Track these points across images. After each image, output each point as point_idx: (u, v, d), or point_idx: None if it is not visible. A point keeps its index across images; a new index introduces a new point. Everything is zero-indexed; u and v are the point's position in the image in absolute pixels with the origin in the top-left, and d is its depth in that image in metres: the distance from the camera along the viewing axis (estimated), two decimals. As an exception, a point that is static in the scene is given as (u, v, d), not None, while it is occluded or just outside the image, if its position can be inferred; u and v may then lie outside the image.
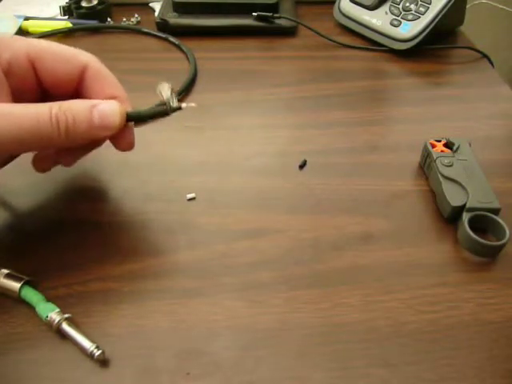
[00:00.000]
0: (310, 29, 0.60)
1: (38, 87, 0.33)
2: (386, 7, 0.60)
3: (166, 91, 0.31)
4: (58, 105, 0.29)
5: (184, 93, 0.50)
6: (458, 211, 0.36)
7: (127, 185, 0.39)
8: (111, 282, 0.32)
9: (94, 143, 0.34)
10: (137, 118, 0.32)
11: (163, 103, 0.31)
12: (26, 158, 0.34)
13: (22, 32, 0.60)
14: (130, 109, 0.33)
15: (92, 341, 0.28)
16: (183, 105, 0.31)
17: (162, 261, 0.34)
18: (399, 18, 0.59)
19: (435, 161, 0.39)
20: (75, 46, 0.33)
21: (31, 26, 0.60)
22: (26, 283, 0.31)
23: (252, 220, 0.37)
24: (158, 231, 0.36)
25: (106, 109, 0.30)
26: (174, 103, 0.31)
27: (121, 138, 0.33)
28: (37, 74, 0.32)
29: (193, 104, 0.32)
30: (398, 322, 0.31)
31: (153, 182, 0.40)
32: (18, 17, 0.61)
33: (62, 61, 0.32)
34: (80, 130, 0.29)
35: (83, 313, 0.30)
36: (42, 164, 0.35)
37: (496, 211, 0.36)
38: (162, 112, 0.32)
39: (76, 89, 0.33)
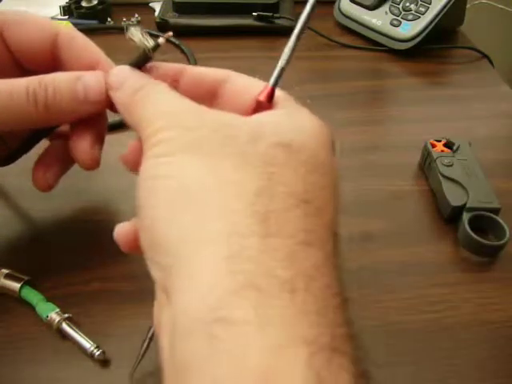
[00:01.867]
0: (310, 29, 0.60)
1: (11, 61, 0.31)
2: (386, 7, 0.60)
3: (136, 35, 0.27)
4: (39, 79, 0.27)
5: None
6: (458, 211, 0.36)
7: (127, 185, 0.39)
8: (111, 281, 0.32)
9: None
10: None
11: (140, 48, 0.27)
12: (26, 159, 0.34)
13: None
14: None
15: (92, 341, 0.28)
16: (160, 40, 0.27)
17: (162, 261, 0.33)
18: (399, 18, 0.59)
19: (435, 161, 0.39)
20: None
21: (31, 26, 0.60)
22: (26, 283, 0.31)
23: (252, 220, 0.37)
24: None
25: (91, 81, 0.27)
26: (150, 42, 0.27)
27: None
28: (5, 44, 0.30)
29: (170, 33, 0.28)
30: (398, 322, 0.31)
31: (153, 181, 0.40)
32: (18, 17, 0.61)
33: (31, 27, 0.30)
34: (63, 104, 0.27)
35: (83, 313, 0.30)
36: (44, 177, 0.32)
37: (496, 211, 0.36)
38: (143, 57, 0.28)
39: (53, 62, 0.31)
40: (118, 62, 0.32)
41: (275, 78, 0.25)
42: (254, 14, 0.60)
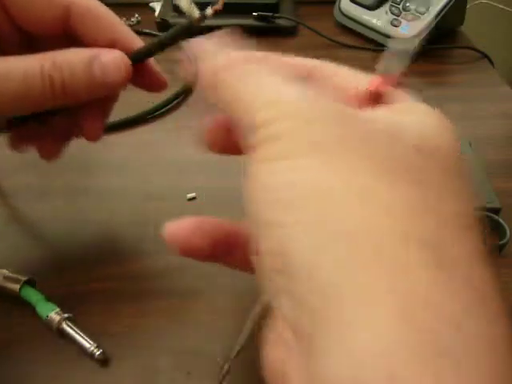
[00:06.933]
0: (310, 29, 0.60)
1: (16, 31, 0.27)
2: (386, 7, 0.60)
3: (183, 2, 0.24)
4: (52, 59, 0.24)
5: (184, 93, 0.50)
6: (458, 211, 0.36)
7: (127, 184, 0.39)
8: (111, 281, 0.32)
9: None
10: (148, 54, 0.26)
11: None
12: (27, 157, 0.34)
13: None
14: (139, 45, 0.27)
15: (92, 341, 0.28)
16: (208, 11, 0.24)
17: (161, 261, 0.33)
18: (399, 18, 0.59)
19: (435, 161, 0.39)
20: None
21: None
22: (26, 283, 0.30)
23: (252, 220, 0.37)
24: (158, 231, 0.36)
25: (108, 61, 0.25)
26: (196, 13, 0.23)
27: (144, 80, 0.28)
28: (10, 16, 0.26)
29: (219, 4, 0.25)
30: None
31: (153, 181, 0.40)
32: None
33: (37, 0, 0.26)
34: (79, 87, 0.25)
35: (83, 313, 0.30)
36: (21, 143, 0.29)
37: (496, 211, 0.36)
38: (183, 30, 0.24)
39: (64, 30, 0.27)
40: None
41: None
42: (254, 14, 0.60)
